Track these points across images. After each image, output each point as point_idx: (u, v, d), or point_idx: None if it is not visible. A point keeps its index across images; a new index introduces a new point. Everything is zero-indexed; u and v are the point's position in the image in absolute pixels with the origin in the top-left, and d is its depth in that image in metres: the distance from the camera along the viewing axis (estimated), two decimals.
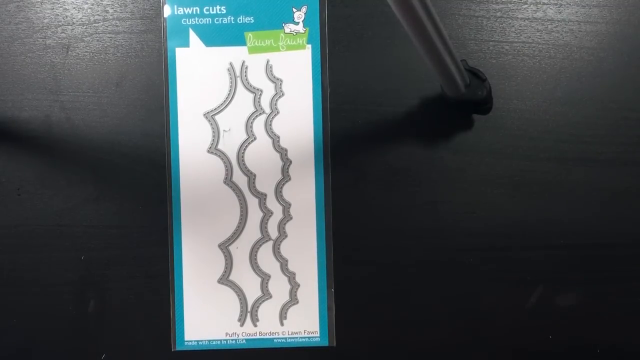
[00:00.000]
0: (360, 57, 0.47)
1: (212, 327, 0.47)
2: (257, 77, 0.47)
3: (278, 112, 0.47)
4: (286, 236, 0.47)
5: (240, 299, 0.47)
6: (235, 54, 0.47)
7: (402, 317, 0.47)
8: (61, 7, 0.47)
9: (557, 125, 0.47)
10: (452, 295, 0.47)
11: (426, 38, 0.35)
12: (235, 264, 0.47)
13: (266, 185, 0.47)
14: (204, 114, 0.46)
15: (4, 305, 0.47)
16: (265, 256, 0.47)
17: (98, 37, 0.47)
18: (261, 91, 0.47)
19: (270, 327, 0.47)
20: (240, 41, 0.47)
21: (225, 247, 0.47)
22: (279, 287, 0.47)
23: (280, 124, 0.47)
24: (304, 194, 0.47)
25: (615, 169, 0.47)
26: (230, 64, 0.47)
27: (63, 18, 0.47)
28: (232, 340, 0.47)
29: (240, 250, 0.47)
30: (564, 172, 0.47)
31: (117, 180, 0.47)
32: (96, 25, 0.47)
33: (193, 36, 0.46)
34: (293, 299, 0.47)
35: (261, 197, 0.47)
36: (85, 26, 0.47)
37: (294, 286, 0.47)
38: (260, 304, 0.47)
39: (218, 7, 0.46)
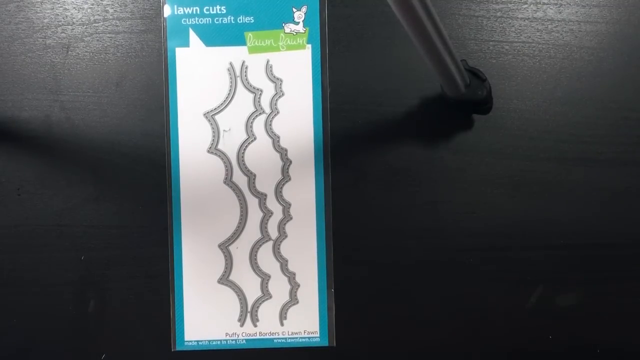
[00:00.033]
0: (360, 57, 0.47)
1: (212, 327, 0.47)
2: (257, 77, 0.47)
3: (278, 112, 0.47)
4: (286, 236, 0.47)
5: (240, 299, 0.47)
6: (235, 53, 0.47)
7: (402, 317, 0.47)
8: (61, 7, 0.47)
9: (557, 125, 0.47)
10: (452, 295, 0.47)
11: (426, 38, 0.35)
12: (235, 264, 0.47)
13: (266, 185, 0.47)
14: (204, 114, 0.46)
15: (4, 305, 0.47)
16: (265, 256, 0.47)
17: (98, 37, 0.47)
18: (261, 91, 0.47)
19: (270, 327, 0.47)
20: (240, 41, 0.47)
21: (225, 247, 0.47)
22: (279, 287, 0.47)
23: (280, 124, 0.47)
24: (304, 194, 0.46)
25: (615, 169, 0.47)
26: (230, 63, 0.47)
27: (63, 18, 0.47)
28: (232, 340, 0.47)
29: (240, 250, 0.47)
30: (564, 172, 0.47)
31: (117, 180, 0.47)
32: (96, 25, 0.47)
33: (193, 36, 0.46)
34: (293, 299, 0.47)
35: (261, 197, 0.47)
36: (85, 26, 0.47)
37: (294, 286, 0.47)
38: (260, 304, 0.47)
39: (218, 7, 0.46)
